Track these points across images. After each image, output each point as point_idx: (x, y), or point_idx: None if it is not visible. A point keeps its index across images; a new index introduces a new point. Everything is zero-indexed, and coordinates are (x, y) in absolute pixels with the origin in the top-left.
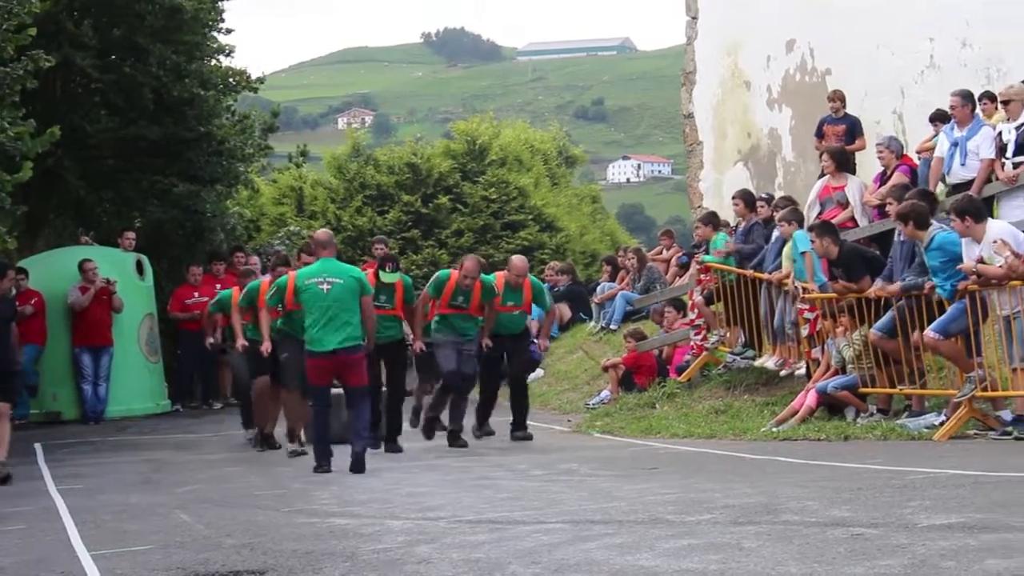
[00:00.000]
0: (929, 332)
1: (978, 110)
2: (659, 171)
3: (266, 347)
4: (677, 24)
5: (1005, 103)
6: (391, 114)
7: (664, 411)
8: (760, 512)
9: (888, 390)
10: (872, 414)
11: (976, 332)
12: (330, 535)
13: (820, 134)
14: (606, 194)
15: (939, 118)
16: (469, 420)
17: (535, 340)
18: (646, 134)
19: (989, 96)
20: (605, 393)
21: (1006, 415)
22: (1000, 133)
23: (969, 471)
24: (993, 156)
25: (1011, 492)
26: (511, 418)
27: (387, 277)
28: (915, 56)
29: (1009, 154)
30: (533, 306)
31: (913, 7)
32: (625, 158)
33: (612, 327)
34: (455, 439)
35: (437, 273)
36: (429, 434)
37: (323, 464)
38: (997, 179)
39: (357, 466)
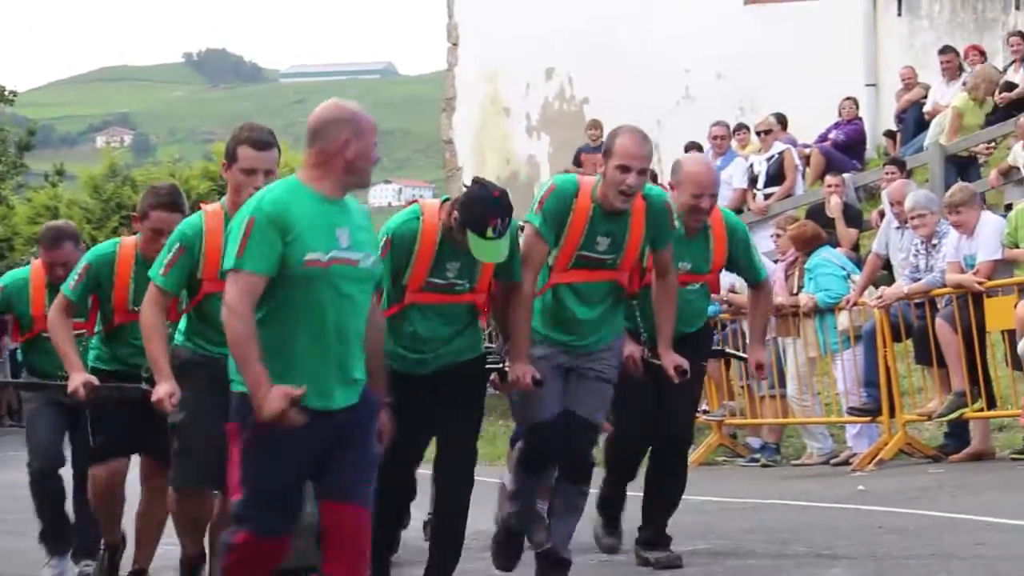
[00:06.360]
0: None
1: (732, 142)
2: (420, 195)
3: (77, 384)
4: (439, 50)
5: (766, 132)
6: (151, 134)
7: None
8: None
9: None
10: None
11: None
12: None
13: (578, 163)
14: None
15: (693, 148)
16: None
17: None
18: (408, 158)
19: (744, 128)
20: None
21: (754, 442)
22: (752, 164)
23: (716, 497)
24: (745, 186)
25: (756, 518)
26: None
27: (482, 249)
28: (671, 87)
29: (760, 185)
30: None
31: (670, 39)
32: (387, 182)
33: None
34: (555, 565)
35: (548, 183)
36: (512, 548)
37: None
38: (749, 210)
39: None
